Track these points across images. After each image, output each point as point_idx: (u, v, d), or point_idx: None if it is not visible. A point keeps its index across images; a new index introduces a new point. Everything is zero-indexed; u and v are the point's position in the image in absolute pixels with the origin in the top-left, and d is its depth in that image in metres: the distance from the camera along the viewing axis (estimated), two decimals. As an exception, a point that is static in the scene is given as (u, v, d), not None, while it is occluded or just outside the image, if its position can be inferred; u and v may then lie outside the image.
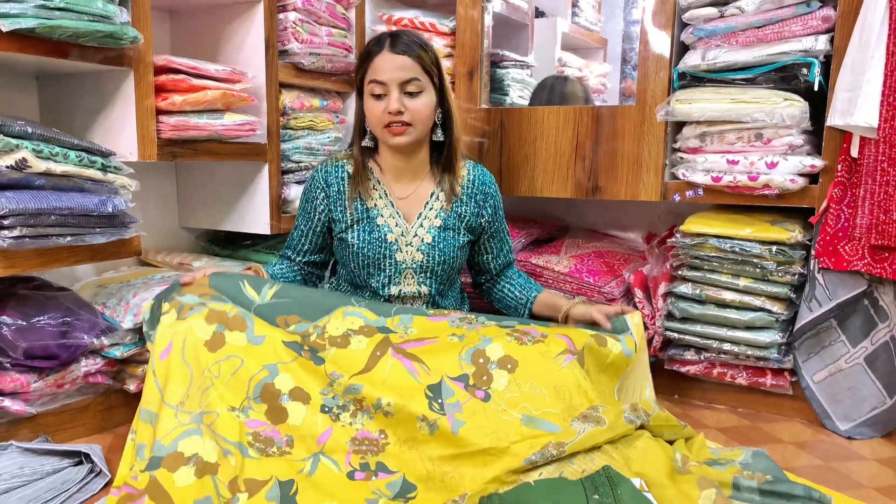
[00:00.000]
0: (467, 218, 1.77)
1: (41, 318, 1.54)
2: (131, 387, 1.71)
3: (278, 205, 2.07)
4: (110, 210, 1.57)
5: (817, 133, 1.86)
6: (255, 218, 2.08)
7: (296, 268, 1.81)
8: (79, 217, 1.54)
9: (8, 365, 1.49)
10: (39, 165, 1.45)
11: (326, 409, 1.47)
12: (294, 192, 2.08)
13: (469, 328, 1.62)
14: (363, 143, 1.73)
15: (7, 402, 1.49)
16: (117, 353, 1.66)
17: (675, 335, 1.98)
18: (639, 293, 2.07)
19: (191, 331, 1.46)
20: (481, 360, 1.54)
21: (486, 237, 1.84)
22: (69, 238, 1.53)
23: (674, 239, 1.95)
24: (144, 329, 1.53)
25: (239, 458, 1.38)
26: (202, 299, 1.52)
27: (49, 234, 1.50)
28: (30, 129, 1.45)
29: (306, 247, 1.79)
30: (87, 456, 1.45)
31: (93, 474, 1.44)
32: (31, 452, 1.45)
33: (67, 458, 1.46)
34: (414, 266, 1.72)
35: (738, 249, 1.85)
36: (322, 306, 1.59)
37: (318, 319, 1.56)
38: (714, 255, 1.89)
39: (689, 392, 2.05)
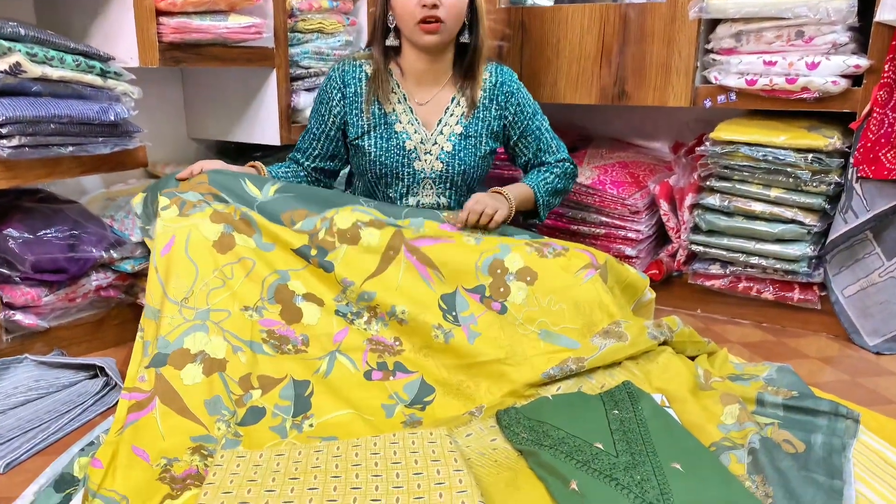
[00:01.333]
0: (489, 123, 1.67)
1: (48, 231, 1.51)
2: (144, 300, 1.68)
3: (288, 114, 1.98)
4: (112, 118, 1.51)
5: (863, 31, 1.71)
6: (265, 128, 2.00)
7: (302, 173, 1.72)
8: (80, 126, 1.48)
9: (17, 279, 1.47)
10: (34, 70, 1.38)
11: (341, 314, 1.44)
12: (304, 101, 1.99)
13: (484, 234, 1.56)
14: (387, 43, 1.61)
15: (19, 316, 1.48)
16: (128, 266, 1.63)
17: (701, 248, 1.92)
18: (664, 205, 1.99)
19: (195, 228, 1.42)
20: (499, 271, 1.49)
21: (515, 139, 1.72)
22: (71, 148, 1.48)
23: (703, 147, 1.86)
24: (139, 224, 1.48)
25: (250, 355, 1.35)
26: (204, 198, 1.47)
27: (50, 143, 1.44)
28: (23, 31, 1.37)
29: (317, 151, 1.70)
30: (102, 369, 1.45)
31: (108, 387, 1.44)
32: (46, 366, 1.45)
33: (83, 372, 1.46)
34: (433, 176, 1.65)
35: (770, 158, 1.75)
36: (328, 200, 1.53)
37: (326, 211, 1.50)
38: (745, 164, 1.80)
39: (712, 307, 2.00)
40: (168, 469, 1.13)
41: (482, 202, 1.55)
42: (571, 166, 1.76)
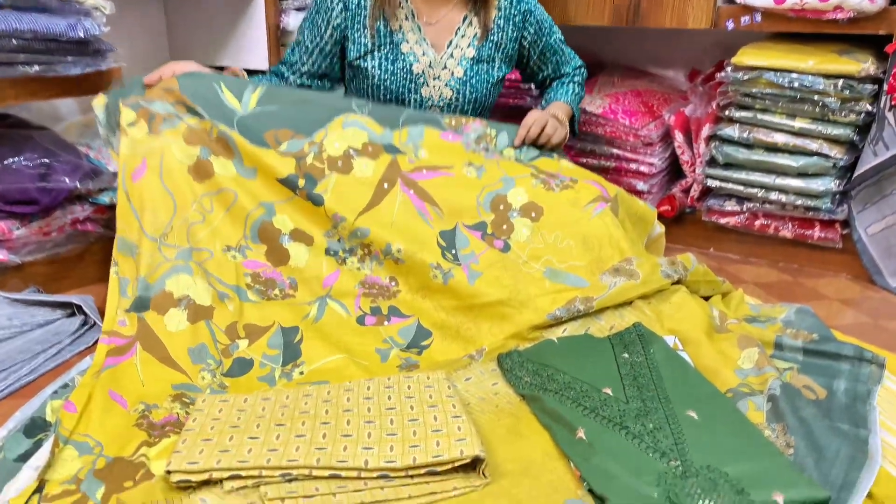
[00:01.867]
0: (505, 45, 1.54)
1: (16, 158, 1.40)
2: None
3: (276, 36, 1.85)
4: (81, 35, 1.38)
5: (906, -57, 1.56)
6: (252, 51, 1.87)
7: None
8: (46, 42, 1.35)
9: (-14, 210, 1.37)
10: (-10, -20, 1.25)
11: (332, 253, 1.34)
12: (293, 21, 1.85)
13: (487, 156, 1.45)
14: None
15: (-11, 250, 1.39)
16: (106, 199, 1.52)
17: (717, 183, 1.81)
18: (679, 136, 1.87)
19: (168, 150, 1.31)
20: (501, 207, 1.39)
21: (535, 58, 1.62)
22: (38, 67, 1.36)
23: (723, 74, 1.72)
24: (101, 131, 1.36)
25: (237, 303, 1.27)
26: (175, 109, 1.34)
27: (13, 61, 1.33)
28: (-25, -64, 1.24)
29: (307, 67, 1.54)
30: (80, 308, 1.36)
31: (86, 326, 1.35)
32: (21, 304, 1.37)
33: (59, 310, 1.37)
34: (441, 104, 1.52)
35: (797, 85, 1.63)
36: (317, 114, 1.40)
37: (314, 133, 1.38)
38: (768, 91, 1.67)
39: (725, 245, 1.90)
40: (146, 415, 1.06)
41: (542, 118, 1.48)
42: (584, 70, 1.70)
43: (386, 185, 1.36)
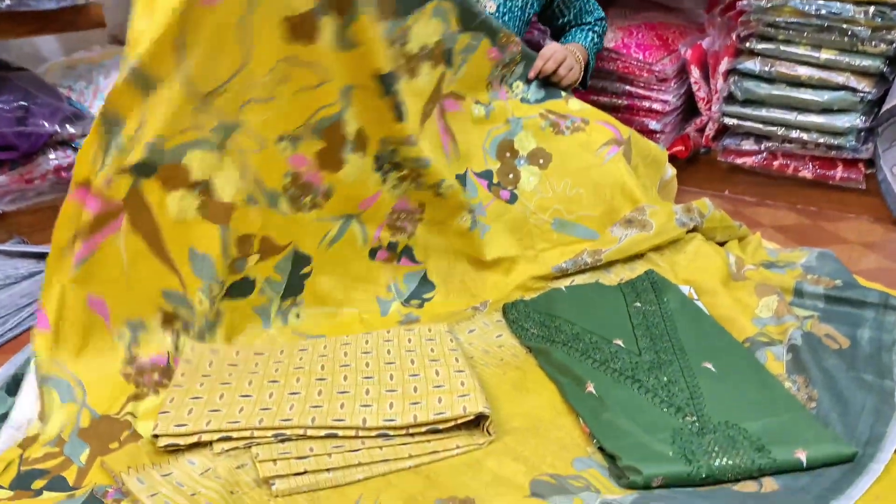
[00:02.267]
0: None
1: (-8, 101, 1.33)
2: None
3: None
4: (53, -34, 1.29)
5: None
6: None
7: None
8: (15, -25, 1.26)
9: (-37, 157, 1.31)
10: None
11: (379, 165, 1.18)
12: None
13: (493, 93, 1.32)
14: None
15: (-32, 199, 1.33)
16: (90, 143, 1.45)
17: (734, 121, 1.71)
18: (695, 72, 1.77)
19: None
20: (508, 155, 1.31)
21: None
22: (8, 1, 1.27)
23: (744, 2, 1.61)
24: None
25: (263, 210, 1.08)
26: None
27: (-19, -3, 1.24)
28: None
29: None
30: (66, 257, 1.31)
31: (73, 277, 1.30)
32: (4, 255, 1.31)
33: (44, 261, 1.31)
34: None
35: (824, 12, 1.52)
36: None
37: (409, 15, 1.13)
38: (793, 20, 1.56)
39: (741, 187, 1.81)
40: (132, 352, 0.98)
41: (560, 53, 1.38)
42: (606, 23, 1.62)
43: (430, 106, 1.22)
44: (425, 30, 1.17)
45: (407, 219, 1.24)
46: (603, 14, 1.61)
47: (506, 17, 1.47)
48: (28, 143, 1.34)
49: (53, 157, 1.41)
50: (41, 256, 1.32)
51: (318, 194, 1.15)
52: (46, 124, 1.36)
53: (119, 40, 1.87)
